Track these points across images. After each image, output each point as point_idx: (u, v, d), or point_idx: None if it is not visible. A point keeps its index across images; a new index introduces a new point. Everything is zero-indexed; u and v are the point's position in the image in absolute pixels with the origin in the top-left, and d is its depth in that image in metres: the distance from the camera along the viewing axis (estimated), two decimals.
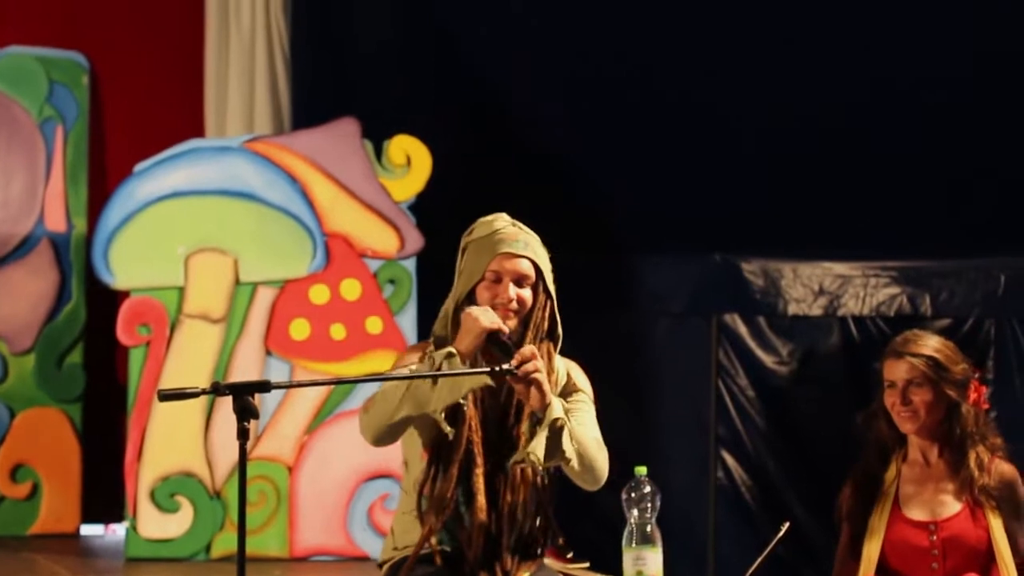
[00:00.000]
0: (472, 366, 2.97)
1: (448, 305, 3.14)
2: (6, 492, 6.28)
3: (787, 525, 3.12)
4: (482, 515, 3.00)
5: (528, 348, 2.96)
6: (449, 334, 3.09)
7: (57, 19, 6.53)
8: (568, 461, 2.95)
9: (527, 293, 3.08)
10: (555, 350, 3.13)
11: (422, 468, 3.06)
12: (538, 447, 2.91)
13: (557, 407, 2.95)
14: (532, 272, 3.09)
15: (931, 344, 3.35)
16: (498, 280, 3.08)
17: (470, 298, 3.10)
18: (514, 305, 3.06)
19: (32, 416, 6.33)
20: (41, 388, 6.35)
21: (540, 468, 2.99)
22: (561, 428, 2.93)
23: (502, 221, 3.15)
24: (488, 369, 2.93)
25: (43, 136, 6.44)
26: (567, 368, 3.16)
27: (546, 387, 2.94)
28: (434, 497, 3.02)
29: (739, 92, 5.62)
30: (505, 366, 2.92)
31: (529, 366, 2.91)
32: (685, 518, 5.10)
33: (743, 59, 5.63)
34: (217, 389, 2.74)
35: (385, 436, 2.99)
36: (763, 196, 5.51)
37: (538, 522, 3.07)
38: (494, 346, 2.95)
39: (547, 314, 3.12)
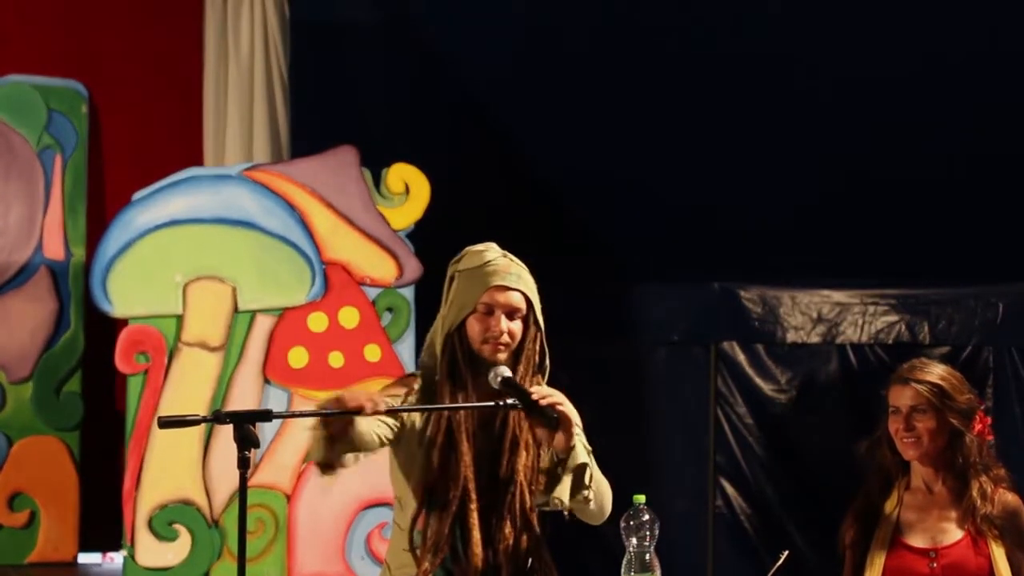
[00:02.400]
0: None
1: (435, 335, 3.14)
2: (4, 521, 6.21)
3: (786, 554, 3.13)
4: (479, 553, 2.99)
5: (546, 389, 2.96)
6: (437, 364, 3.09)
7: (56, 48, 6.52)
8: (588, 502, 2.96)
9: (518, 326, 3.08)
10: (543, 382, 3.13)
11: (415, 506, 3.05)
12: (563, 492, 2.93)
13: (581, 450, 2.95)
14: (524, 305, 3.09)
15: (937, 372, 3.36)
16: (490, 312, 3.07)
17: (461, 329, 3.09)
18: (506, 339, 3.06)
19: (30, 444, 6.26)
20: (39, 416, 6.29)
21: (565, 512, 2.99)
22: (584, 470, 2.94)
23: (493, 252, 3.14)
24: (502, 403, 2.93)
25: (41, 164, 6.42)
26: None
27: (575, 426, 2.93)
28: (429, 536, 3.01)
29: (737, 122, 5.65)
30: (510, 401, 2.92)
31: (559, 404, 2.91)
32: (684, 547, 5.10)
33: (741, 87, 5.66)
34: (218, 417, 2.76)
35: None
36: (762, 224, 5.53)
37: (532, 561, 3.05)
38: (509, 388, 2.95)
39: (537, 347, 3.12)
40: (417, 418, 3.09)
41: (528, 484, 3.04)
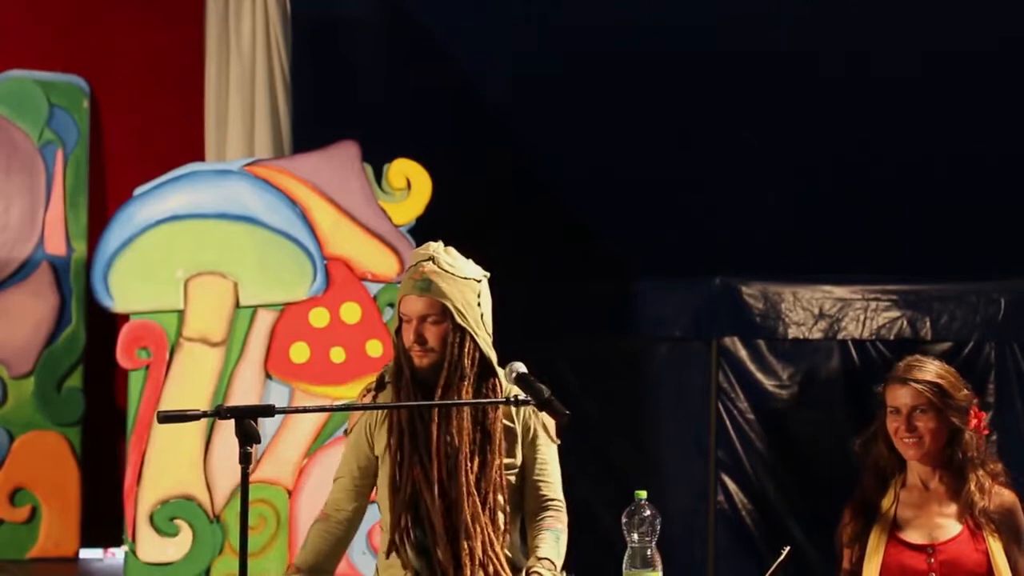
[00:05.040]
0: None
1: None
2: (5, 516, 6.25)
3: (788, 549, 3.12)
4: (445, 553, 3.02)
5: None
6: (391, 373, 3.13)
7: (57, 43, 6.54)
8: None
9: (435, 333, 3.05)
10: (495, 385, 3.10)
11: (388, 510, 3.11)
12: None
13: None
14: (435, 311, 3.05)
15: (934, 370, 3.35)
16: (408, 320, 3.08)
17: (397, 337, 3.13)
18: (417, 348, 3.06)
19: (31, 440, 6.30)
20: (40, 412, 6.33)
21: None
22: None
23: (421, 254, 3.13)
24: (507, 399, 2.94)
25: (43, 160, 6.45)
26: (531, 410, 3.12)
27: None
28: (398, 538, 3.07)
29: (739, 117, 5.64)
30: (522, 397, 2.93)
31: None
32: (685, 542, 5.12)
33: (741, 85, 5.66)
34: (219, 413, 2.74)
35: None
36: (763, 220, 5.54)
37: (499, 559, 3.07)
38: (523, 384, 2.94)
39: (467, 351, 3.07)
40: (380, 432, 3.14)
41: (492, 483, 3.06)
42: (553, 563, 3.05)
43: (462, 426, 3.05)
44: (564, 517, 3.15)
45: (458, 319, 3.07)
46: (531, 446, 3.14)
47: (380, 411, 3.13)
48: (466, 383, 3.06)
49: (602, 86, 5.89)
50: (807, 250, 5.45)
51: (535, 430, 3.14)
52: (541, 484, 3.13)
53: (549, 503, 3.15)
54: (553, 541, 3.09)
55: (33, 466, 6.27)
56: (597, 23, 5.88)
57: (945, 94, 5.49)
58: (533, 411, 3.11)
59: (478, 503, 3.03)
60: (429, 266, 3.09)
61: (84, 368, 6.40)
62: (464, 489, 3.03)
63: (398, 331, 3.12)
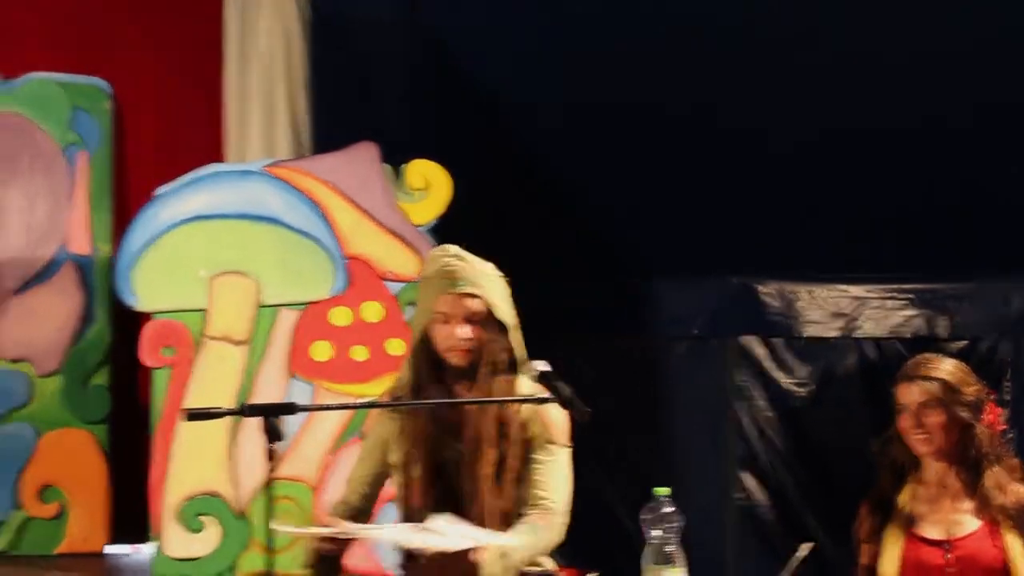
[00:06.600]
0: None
1: (411, 344, 3.18)
2: (34, 512, 6.29)
3: (808, 546, 3.13)
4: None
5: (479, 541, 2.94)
6: (412, 377, 3.13)
7: (79, 46, 6.57)
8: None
9: (478, 329, 3.10)
10: (517, 382, 3.14)
11: (400, 511, 3.18)
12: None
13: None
14: (481, 308, 3.11)
15: (943, 367, 3.38)
16: (447, 320, 3.10)
17: (425, 338, 3.13)
18: (464, 344, 3.09)
19: (58, 437, 6.32)
20: (67, 409, 6.35)
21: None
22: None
23: (447, 256, 3.16)
24: (529, 397, 3.00)
25: (66, 160, 6.47)
26: (542, 415, 3.15)
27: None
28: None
29: (757, 117, 5.63)
30: (542, 396, 2.96)
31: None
32: (705, 538, 5.09)
33: (760, 85, 5.65)
34: (243, 411, 2.80)
35: None
36: (780, 219, 5.52)
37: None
38: (546, 382, 2.96)
39: (502, 347, 3.14)
40: (392, 437, 3.18)
41: (496, 483, 3.08)
42: (511, 547, 3.01)
43: (489, 420, 3.08)
44: (553, 517, 3.13)
45: (497, 315, 3.13)
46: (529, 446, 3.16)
47: (396, 423, 3.16)
48: (499, 378, 3.11)
49: (622, 83, 5.88)
50: (822, 249, 5.45)
51: (534, 432, 3.16)
52: (535, 482, 3.14)
53: (540, 501, 3.15)
54: (526, 531, 3.08)
55: (60, 463, 6.29)
56: (618, 19, 5.88)
57: (960, 90, 5.46)
58: (536, 412, 3.14)
59: (497, 496, 3.07)
60: (463, 264, 3.13)
61: (110, 366, 6.43)
62: (484, 484, 3.06)
63: (423, 332, 3.13)
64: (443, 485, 3.10)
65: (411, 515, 3.11)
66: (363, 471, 3.29)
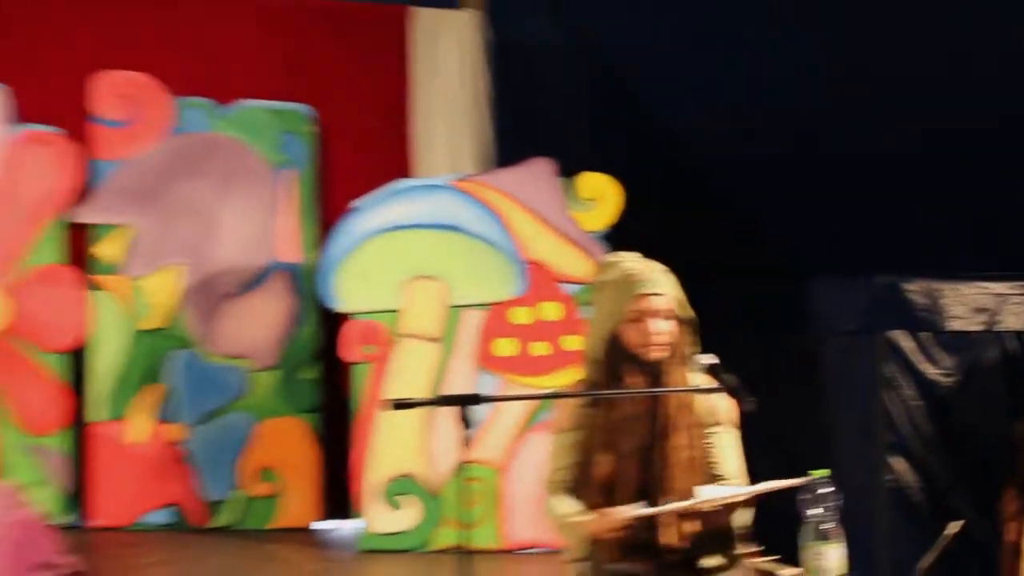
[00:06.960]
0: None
1: (593, 344, 3.20)
2: (252, 492, 6.56)
3: (957, 524, 3.21)
4: (663, 530, 3.08)
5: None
6: (601, 374, 3.17)
7: (285, 77, 6.84)
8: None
9: (672, 326, 3.16)
10: (692, 372, 3.18)
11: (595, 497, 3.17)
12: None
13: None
14: (670, 305, 3.17)
15: None
16: (641, 319, 3.14)
17: (614, 338, 3.16)
18: (662, 339, 3.14)
19: (274, 425, 6.58)
20: (280, 400, 6.59)
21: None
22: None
23: (632, 260, 3.21)
24: (699, 387, 3.08)
25: (276, 179, 6.71)
26: (714, 403, 3.21)
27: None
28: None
29: (897, 125, 5.72)
30: (714, 385, 3.04)
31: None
32: (858, 518, 5.06)
33: (897, 91, 5.73)
34: (440, 400, 2.95)
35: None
36: (925, 222, 5.64)
37: (707, 536, 3.13)
38: (717, 376, 3.05)
39: (686, 340, 3.19)
40: (592, 429, 3.20)
41: (689, 462, 3.14)
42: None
43: (677, 408, 3.15)
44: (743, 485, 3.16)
45: (681, 313, 3.21)
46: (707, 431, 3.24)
47: (593, 416, 3.19)
48: (685, 368, 3.18)
49: (776, 92, 6.03)
50: (965, 249, 5.55)
51: (710, 418, 3.23)
52: (717, 462, 3.22)
53: (723, 477, 3.20)
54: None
55: (275, 448, 6.56)
56: (775, 41, 6.01)
57: None
58: (708, 400, 3.19)
59: (690, 476, 3.14)
60: (648, 267, 3.20)
61: (318, 362, 6.67)
62: (677, 467, 3.12)
63: (611, 331, 3.16)
64: (639, 469, 3.15)
65: (612, 499, 3.12)
66: (568, 460, 3.25)
